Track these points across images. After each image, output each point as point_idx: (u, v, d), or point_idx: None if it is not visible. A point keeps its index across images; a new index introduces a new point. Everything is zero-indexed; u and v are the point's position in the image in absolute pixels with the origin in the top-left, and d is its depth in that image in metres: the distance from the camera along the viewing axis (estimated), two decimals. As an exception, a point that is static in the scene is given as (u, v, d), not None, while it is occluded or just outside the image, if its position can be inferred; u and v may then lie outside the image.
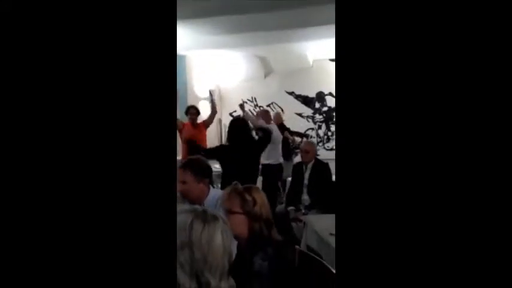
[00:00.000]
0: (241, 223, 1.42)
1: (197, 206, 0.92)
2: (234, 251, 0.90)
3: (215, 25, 4.20)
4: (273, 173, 4.22)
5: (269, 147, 3.54)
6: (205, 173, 1.98)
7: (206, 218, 0.87)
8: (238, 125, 2.96)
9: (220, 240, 0.86)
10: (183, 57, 5.54)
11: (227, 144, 3.01)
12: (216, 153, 3.03)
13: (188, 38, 4.63)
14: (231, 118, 6.01)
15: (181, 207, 0.89)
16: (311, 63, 5.93)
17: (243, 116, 4.65)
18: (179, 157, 4.59)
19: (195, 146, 3.83)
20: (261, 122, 4.28)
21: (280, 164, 4.37)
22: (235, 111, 6.11)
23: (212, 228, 0.85)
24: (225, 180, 2.87)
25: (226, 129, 3.18)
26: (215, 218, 0.88)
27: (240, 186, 1.53)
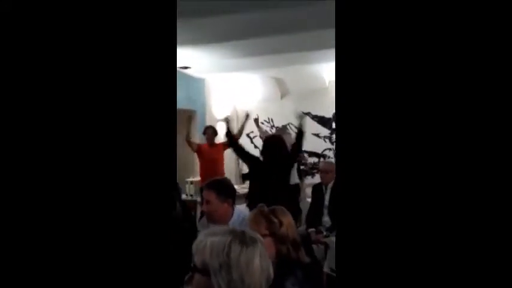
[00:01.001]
0: (268, 246, 1.41)
1: (236, 228, 0.92)
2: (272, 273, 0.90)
3: (233, 49, 4.29)
4: (291, 194, 4.17)
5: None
6: (229, 193, 2.00)
7: (245, 239, 0.87)
8: (273, 142, 3.00)
9: (259, 262, 0.86)
10: (203, 80, 5.65)
11: (261, 159, 3.03)
12: (251, 159, 3.06)
13: (207, 62, 4.73)
14: (248, 139, 6.10)
15: (219, 228, 0.90)
16: (327, 84, 5.96)
17: (258, 130, 4.69)
18: (196, 178, 4.65)
19: (208, 164, 3.90)
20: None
21: (297, 184, 4.33)
22: (252, 131, 6.15)
23: (251, 250, 0.86)
24: (253, 198, 2.88)
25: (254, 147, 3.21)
26: (254, 240, 0.88)
27: (265, 208, 1.53)
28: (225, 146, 4.51)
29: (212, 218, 1.95)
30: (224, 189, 1.98)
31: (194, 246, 0.88)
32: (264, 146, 3.06)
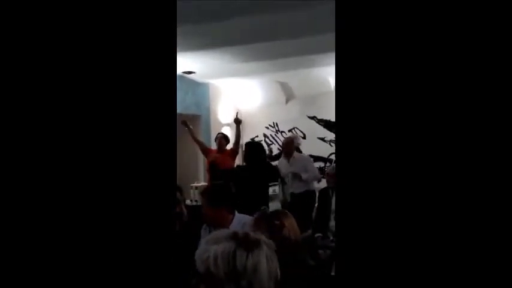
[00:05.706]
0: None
1: (238, 231, 0.90)
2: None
3: (238, 53, 4.28)
4: (305, 201, 4.02)
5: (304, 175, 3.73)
6: (223, 200, 1.95)
7: (249, 244, 0.85)
8: (253, 146, 3.19)
9: (266, 265, 0.84)
10: (207, 84, 5.65)
11: (243, 165, 3.21)
12: (232, 174, 3.18)
13: (212, 66, 4.73)
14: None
15: (221, 234, 0.87)
16: (333, 87, 5.93)
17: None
18: (201, 183, 4.64)
19: (216, 169, 3.95)
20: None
21: (313, 191, 4.18)
22: (257, 136, 6.13)
23: (256, 254, 0.84)
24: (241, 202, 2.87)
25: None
26: (258, 243, 0.87)
27: (268, 210, 1.50)
28: (233, 152, 4.46)
29: (209, 223, 1.95)
30: (216, 196, 1.95)
31: (197, 255, 0.85)
32: (245, 151, 3.26)
